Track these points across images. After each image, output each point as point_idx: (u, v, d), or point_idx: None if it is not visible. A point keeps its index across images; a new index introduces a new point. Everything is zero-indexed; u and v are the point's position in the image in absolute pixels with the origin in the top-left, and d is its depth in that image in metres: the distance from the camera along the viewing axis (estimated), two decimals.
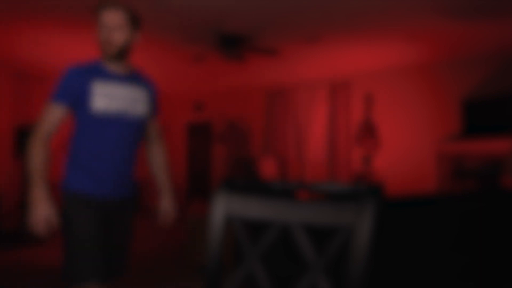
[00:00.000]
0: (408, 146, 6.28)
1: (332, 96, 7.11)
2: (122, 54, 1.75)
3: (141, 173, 8.34)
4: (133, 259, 4.38)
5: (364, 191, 0.91)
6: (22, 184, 6.03)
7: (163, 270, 4.00)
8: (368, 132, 6.34)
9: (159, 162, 2.08)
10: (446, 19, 4.31)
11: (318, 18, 4.33)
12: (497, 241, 2.64)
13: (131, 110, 1.78)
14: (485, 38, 4.94)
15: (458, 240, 2.48)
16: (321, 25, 4.53)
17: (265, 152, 7.86)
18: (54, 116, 1.70)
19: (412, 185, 6.12)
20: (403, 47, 5.38)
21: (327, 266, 0.93)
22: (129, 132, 1.80)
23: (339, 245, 0.92)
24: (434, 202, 2.41)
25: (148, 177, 8.57)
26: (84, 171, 1.74)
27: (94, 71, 1.74)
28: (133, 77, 1.86)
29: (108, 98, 1.72)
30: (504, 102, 5.27)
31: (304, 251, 0.95)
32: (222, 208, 1.03)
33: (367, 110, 6.62)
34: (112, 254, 1.82)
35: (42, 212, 1.57)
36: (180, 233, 5.85)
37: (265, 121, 7.96)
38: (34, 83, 6.63)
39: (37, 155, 1.63)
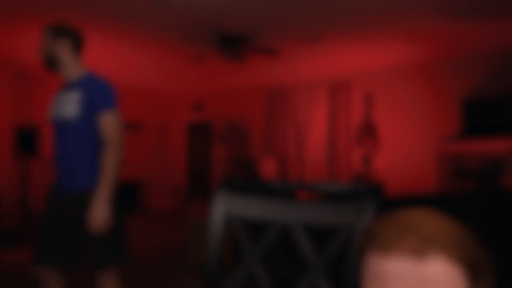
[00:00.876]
0: (408, 146, 6.28)
1: (332, 96, 7.11)
2: (52, 63, 2.03)
3: (139, 173, 8.35)
4: (132, 259, 4.38)
5: (364, 191, 0.91)
6: (22, 184, 6.03)
7: (163, 270, 4.00)
8: (368, 132, 6.34)
9: (101, 167, 1.98)
10: (446, 19, 4.31)
11: (318, 18, 4.33)
12: (497, 241, 2.64)
13: (58, 113, 2.01)
14: (485, 38, 4.94)
15: None
16: (321, 25, 4.53)
17: (265, 152, 7.86)
18: None
19: (412, 185, 6.12)
20: (403, 47, 5.38)
21: (327, 266, 0.93)
22: (63, 132, 2.00)
23: (339, 245, 0.92)
24: (434, 202, 2.41)
25: (145, 177, 8.56)
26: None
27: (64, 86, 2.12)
28: (77, 83, 2.02)
29: (53, 105, 2.07)
30: (504, 102, 5.27)
31: (304, 251, 0.95)
32: (222, 208, 1.03)
33: (367, 110, 6.61)
34: (72, 244, 2.01)
35: None
36: (180, 233, 5.85)
37: (265, 121, 7.96)
38: (34, 83, 6.63)
39: None
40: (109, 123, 1.97)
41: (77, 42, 2.05)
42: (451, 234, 0.58)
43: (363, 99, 6.73)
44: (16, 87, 6.41)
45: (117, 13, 4.19)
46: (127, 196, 7.88)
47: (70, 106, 1.96)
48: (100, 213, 1.88)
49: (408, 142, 6.29)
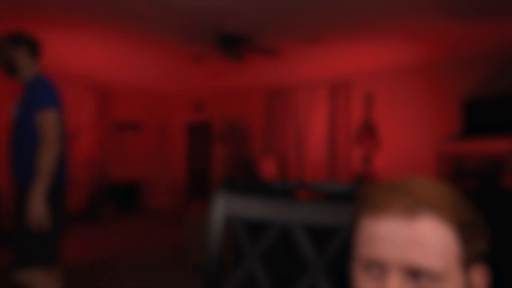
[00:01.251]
0: (408, 146, 6.28)
1: (332, 96, 7.11)
2: (10, 69, 2.15)
3: (139, 173, 8.35)
4: (132, 259, 4.38)
5: None
6: None
7: (163, 270, 4.00)
8: (368, 132, 6.34)
9: (35, 165, 2.02)
10: (446, 19, 4.31)
11: (318, 18, 4.33)
12: (497, 241, 2.64)
13: (13, 115, 2.13)
14: (485, 38, 4.94)
15: None
16: (321, 25, 4.53)
17: (265, 152, 7.86)
18: None
19: None
20: (403, 47, 5.38)
21: (327, 266, 0.93)
22: (14, 133, 2.10)
23: (339, 245, 0.92)
24: None
25: (145, 177, 8.56)
26: None
27: None
28: (27, 85, 2.13)
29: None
30: (504, 102, 5.27)
31: (304, 251, 0.95)
32: (222, 208, 1.03)
33: (367, 110, 6.61)
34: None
35: None
36: (180, 233, 5.85)
37: (265, 121, 7.96)
38: None
39: None
40: (44, 122, 2.00)
41: (33, 49, 2.18)
42: (443, 196, 0.58)
43: (363, 99, 6.73)
44: (16, 87, 6.40)
45: (117, 13, 4.19)
46: (127, 196, 7.88)
47: (16, 108, 2.11)
48: (35, 210, 1.93)
49: (408, 142, 6.29)
